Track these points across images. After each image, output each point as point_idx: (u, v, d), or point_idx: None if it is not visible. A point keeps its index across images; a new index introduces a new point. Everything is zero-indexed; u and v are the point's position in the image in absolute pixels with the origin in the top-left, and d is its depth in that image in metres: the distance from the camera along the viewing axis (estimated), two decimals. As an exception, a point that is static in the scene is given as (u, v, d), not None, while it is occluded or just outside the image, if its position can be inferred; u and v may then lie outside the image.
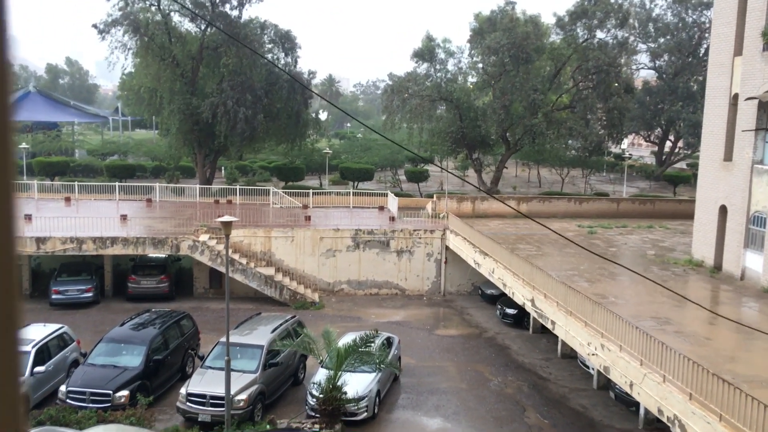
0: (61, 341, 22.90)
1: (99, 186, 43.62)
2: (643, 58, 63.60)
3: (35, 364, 20.95)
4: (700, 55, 59.34)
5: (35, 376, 20.81)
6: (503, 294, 29.31)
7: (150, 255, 33.93)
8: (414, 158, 63.73)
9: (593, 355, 19.12)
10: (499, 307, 31.22)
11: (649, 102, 61.00)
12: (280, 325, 23.40)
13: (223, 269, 30.83)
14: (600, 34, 46.10)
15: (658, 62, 63.07)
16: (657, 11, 61.29)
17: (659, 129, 65.50)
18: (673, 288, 24.66)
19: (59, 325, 23.64)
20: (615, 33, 46.94)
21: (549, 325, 22.66)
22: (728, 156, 27.28)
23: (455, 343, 28.34)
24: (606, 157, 67.75)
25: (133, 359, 21.42)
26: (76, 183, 43.25)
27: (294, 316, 25.18)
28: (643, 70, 67.44)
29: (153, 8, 42.58)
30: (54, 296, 31.14)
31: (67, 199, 41.38)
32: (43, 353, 21.65)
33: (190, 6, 43.20)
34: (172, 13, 43.58)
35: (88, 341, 24.31)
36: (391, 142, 19.88)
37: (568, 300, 20.83)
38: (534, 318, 27.64)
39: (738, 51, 26.68)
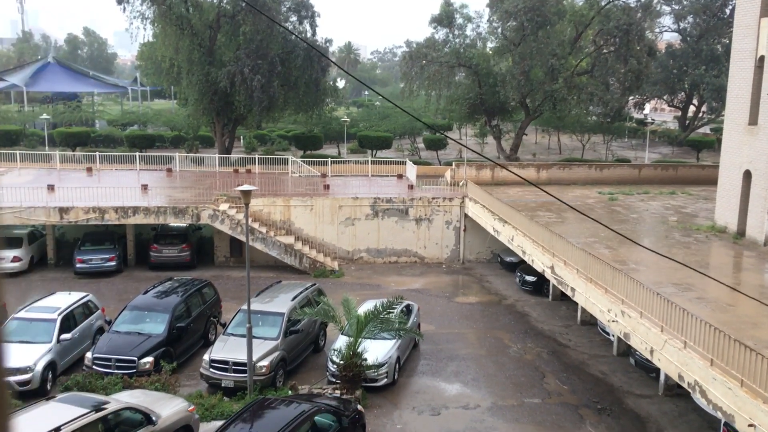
0: (86, 309, 23.28)
1: (120, 156, 43.92)
2: (667, 20, 62.24)
3: (61, 331, 21.36)
4: (726, 16, 57.89)
5: (61, 344, 21.23)
6: (522, 261, 29.25)
7: (171, 224, 34.22)
8: (433, 126, 63.33)
9: (613, 321, 19.08)
10: (519, 274, 31.19)
11: (672, 65, 59.82)
12: (301, 292, 23.59)
13: (243, 238, 31.05)
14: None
15: (682, 24, 61.67)
16: None
17: (683, 93, 64.32)
18: (695, 254, 24.46)
19: (84, 294, 24.02)
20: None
21: (569, 292, 22.62)
22: (753, 120, 26.75)
23: (474, 310, 28.43)
24: (628, 123, 66.80)
25: (156, 326, 21.74)
26: (97, 153, 43.58)
27: (314, 284, 25.36)
28: (666, 33, 66.07)
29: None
30: (78, 265, 31.61)
31: (89, 170, 41.74)
32: (69, 321, 22.04)
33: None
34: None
35: (112, 309, 24.73)
36: (404, 112, 19.69)
37: (588, 267, 20.74)
38: (553, 285, 27.59)
39: (765, 12, 25.97)
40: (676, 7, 60.71)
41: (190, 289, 24.23)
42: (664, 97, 66.55)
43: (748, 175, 26.99)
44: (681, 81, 60.42)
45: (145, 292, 23.92)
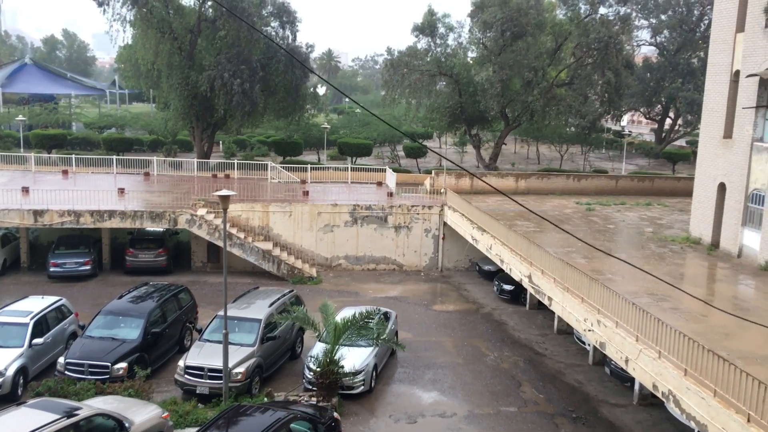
0: (59, 313, 22.95)
1: (96, 159, 43.45)
2: (644, 34, 63.15)
3: (33, 336, 21.01)
4: (702, 31, 58.88)
5: (33, 348, 20.89)
6: (500, 270, 29.38)
7: (148, 228, 33.89)
8: (413, 134, 63.56)
9: (589, 331, 19.21)
10: (497, 283, 31.32)
11: (649, 79, 60.64)
12: (278, 299, 23.47)
13: (220, 243, 30.85)
14: (602, 10, 45.69)
15: (659, 38, 62.58)
16: None
17: (659, 106, 65.22)
18: (670, 265, 24.74)
19: (57, 298, 23.68)
20: (617, 9, 46.51)
21: (546, 301, 22.75)
22: (728, 133, 27.18)
23: (452, 318, 28.47)
24: (605, 135, 67.61)
25: (131, 332, 21.49)
26: (73, 156, 43.07)
27: (292, 291, 25.23)
28: (644, 47, 66.98)
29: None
30: (52, 269, 31.17)
31: (65, 172, 41.26)
32: (42, 325, 21.70)
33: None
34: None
35: (86, 314, 24.38)
36: (384, 122, 19.81)
37: (565, 276, 20.88)
38: (531, 294, 27.75)
39: (740, 27, 26.44)
40: (653, 22, 61.61)
41: (166, 294, 23.98)
42: (641, 110, 67.46)
43: (722, 188, 27.39)
44: (657, 94, 61.27)
45: (120, 297, 23.65)
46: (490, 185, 19.00)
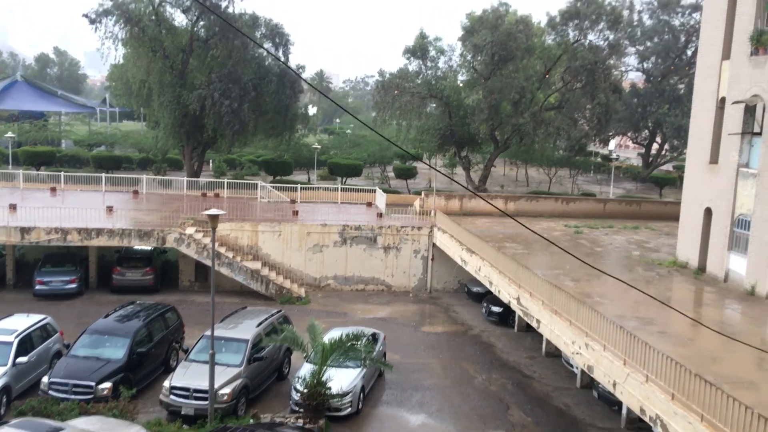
0: (44, 332, 22.71)
1: (85, 177, 43.30)
2: (631, 60, 63.97)
3: (17, 354, 20.78)
4: (688, 57, 59.70)
5: (17, 367, 20.65)
6: (489, 292, 29.41)
7: (135, 247, 33.71)
8: (403, 155, 63.84)
9: (577, 354, 19.22)
10: (485, 304, 31.31)
11: (636, 104, 61.32)
12: (266, 319, 23.36)
13: (209, 262, 30.72)
14: (591, 36, 46.28)
15: (645, 64, 63.40)
16: (644, 16, 61.58)
17: (646, 131, 65.90)
18: (657, 288, 24.84)
19: (42, 316, 23.45)
20: (606, 35, 47.15)
21: (534, 324, 22.76)
22: (714, 159, 27.47)
23: (440, 340, 28.40)
24: (593, 158, 68.17)
25: (116, 351, 21.28)
26: (62, 173, 42.91)
27: (280, 311, 25.13)
28: (631, 73, 67.80)
29: (145, -1, 42.35)
30: (38, 287, 30.91)
31: (53, 189, 41.07)
32: (26, 344, 21.47)
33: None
34: (164, 4, 43.31)
35: (71, 333, 24.15)
36: (385, 139, 19.85)
37: (554, 299, 20.93)
38: (519, 316, 27.75)
39: (726, 55, 26.84)
40: (640, 48, 62.43)
41: (153, 313, 23.81)
42: (629, 134, 68.13)
43: (709, 213, 27.62)
44: (644, 119, 61.93)
45: (106, 316, 23.45)
46: (493, 205, 19.12)
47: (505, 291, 25.34)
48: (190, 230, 32.28)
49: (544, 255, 30.58)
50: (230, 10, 43.52)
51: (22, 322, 22.44)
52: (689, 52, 59.81)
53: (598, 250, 31.69)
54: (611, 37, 46.85)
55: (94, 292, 32.39)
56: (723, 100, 26.91)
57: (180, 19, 44.93)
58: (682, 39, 60.20)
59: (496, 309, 30.36)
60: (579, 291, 23.35)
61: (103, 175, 43.35)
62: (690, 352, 18.13)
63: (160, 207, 37.16)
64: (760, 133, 24.89)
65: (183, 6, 43.33)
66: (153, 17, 42.12)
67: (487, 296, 31.23)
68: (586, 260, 28.93)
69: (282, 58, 45.95)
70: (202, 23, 43.30)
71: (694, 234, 28.46)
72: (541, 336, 25.53)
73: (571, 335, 19.45)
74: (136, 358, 21.49)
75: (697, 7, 56.73)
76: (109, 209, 34.51)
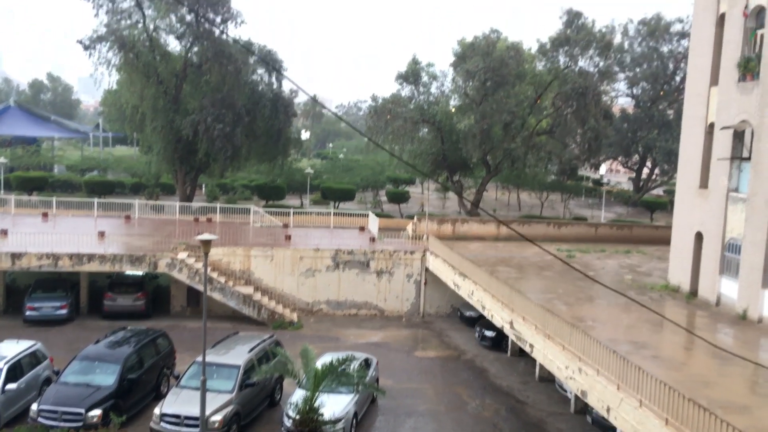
0: (33, 358, 22.51)
1: (77, 202, 43.20)
2: (621, 86, 64.72)
3: (7, 381, 20.57)
4: (677, 84, 60.44)
5: (6, 394, 20.43)
6: (482, 316, 29.35)
7: (127, 272, 33.56)
8: (395, 179, 64.07)
9: (571, 378, 19.18)
10: (478, 329, 31.25)
11: (626, 129, 61.90)
12: (258, 345, 23.23)
13: (200, 288, 30.59)
14: (581, 62, 46.85)
15: (635, 90, 64.14)
16: (634, 42, 62.37)
17: (636, 155, 66.45)
18: (650, 313, 24.87)
19: (32, 342, 23.24)
20: (597, 61, 47.73)
21: (527, 348, 22.71)
22: (704, 183, 27.71)
23: (433, 365, 28.28)
24: (584, 183, 68.59)
25: (106, 378, 21.10)
26: (54, 198, 42.80)
27: (272, 336, 25.01)
28: (621, 98, 68.55)
29: (140, 26, 42.62)
30: (28, 312, 30.69)
31: (45, 215, 40.94)
32: (16, 370, 21.27)
33: (175, 23, 43.24)
34: (158, 30, 43.64)
35: (61, 359, 23.92)
36: (398, 159, 19.90)
37: (546, 323, 20.92)
38: (512, 341, 27.69)
39: (714, 81, 27.21)
40: (630, 74, 63.20)
41: (144, 339, 23.65)
42: (619, 159, 68.68)
43: (699, 237, 27.78)
44: (635, 144, 62.48)
45: (97, 342, 23.27)
46: (513, 228, 19.18)
47: (498, 315, 25.31)
48: (182, 255, 32.19)
49: (537, 279, 30.63)
50: (225, 36, 43.86)
51: (12, 348, 22.24)
52: (678, 79, 60.56)
53: (591, 274, 31.72)
54: (601, 63, 47.46)
55: (85, 318, 32.15)
56: (712, 125, 27.22)
57: (174, 45, 45.27)
58: (671, 66, 61.00)
59: (489, 333, 30.29)
60: (572, 315, 23.36)
61: (96, 200, 43.26)
62: (683, 377, 18.12)
63: (152, 232, 37.08)
64: (749, 158, 25.15)
65: (177, 33, 43.67)
66: (147, 43, 42.41)
67: (479, 320, 31.17)
68: (579, 285, 29.02)
69: (275, 84, 46.25)
70: (195, 49, 43.60)
71: (685, 258, 28.59)
72: (534, 360, 25.45)
73: (565, 360, 19.42)
74: (127, 384, 21.30)
75: (684, 35, 57.61)
76: (101, 234, 34.40)
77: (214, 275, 32.29)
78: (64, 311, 30.99)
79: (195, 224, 40.26)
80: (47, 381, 22.53)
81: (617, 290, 22.99)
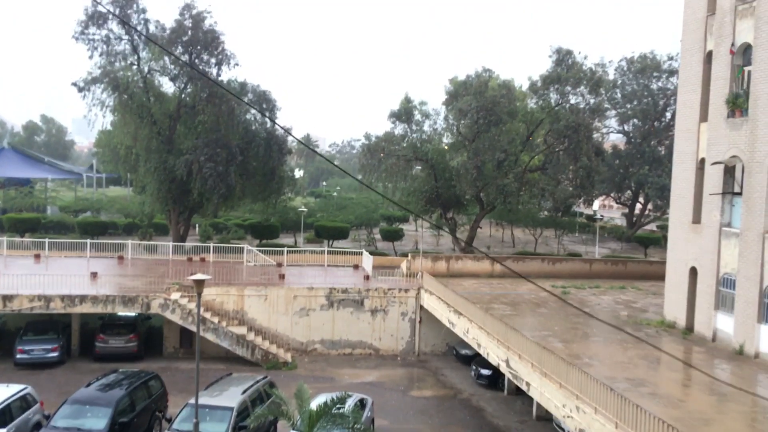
0: (23, 402, 22.13)
1: (70, 243, 43.01)
2: (612, 122, 65.36)
3: (-5, 426, 20.19)
4: (667, 121, 61.12)
5: (-6, 440, 20.03)
6: (478, 354, 29.12)
7: (119, 313, 33.25)
8: (389, 217, 64.17)
9: (568, 417, 18.95)
10: (474, 367, 30.96)
11: (618, 165, 62.35)
12: (251, 386, 22.93)
13: (194, 328, 30.31)
14: (572, 99, 47.43)
15: (626, 126, 64.79)
16: (625, 79, 63.21)
17: (629, 191, 66.79)
18: (647, 349, 24.72)
19: (22, 386, 22.89)
20: (588, 99, 48.33)
21: (524, 387, 22.48)
22: (697, 218, 27.82)
23: (429, 404, 27.93)
24: (578, 219, 68.82)
25: (97, 422, 20.70)
26: (46, 240, 42.61)
27: (266, 377, 24.71)
28: (612, 134, 69.19)
29: (134, 67, 43.04)
30: (18, 356, 30.28)
31: (37, 256, 40.70)
32: (5, 415, 20.89)
33: (169, 65, 43.69)
34: (152, 72, 44.05)
35: (52, 403, 23.52)
36: (388, 199, 19.92)
37: (543, 361, 20.74)
38: (509, 379, 27.42)
39: (703, 117, 27.54)
40: (620, 110, 63.91)
41: (136, 382, 23.31)
42: (612, 195, 69.02)
43: (694, 272, 27.78)
44: (627, 180, 62.87)
45: (88, 385, 22.91)
46: (506, 266, 19.14)
47: (494, 353, 25.11)
48: (175, 295, 31.95)
49: (532, 316, 30.49)
50: (221, 78, 44.36)
51: (1, 392, 21.87)
52: (668, 115, 61.26)
53: (586, 311, 31.60)
54: (592, 100, 48.05)
55: (76, 360, 31.73)
56: (702, 161, 27.45)
57: (168, 86, 45.66)
58: (661, 103, 61.76)
59: (485, 372, 30.00)
60: (568, 352, 23.20)
61: (88, 241, 43.08)
62: (681, 414, 17.94)
63: (145, 272, 36.87)
64: (740, 193, 25.32)
65: (171, 74, 44.08)
66: (141, 85, 42.76)
67: (475, 359, 30.90)
68: (574, 321, 28.88)
69: (269, 123, 46.55)
70: (189, 90, 43.97)
71: (680, 294, 28.54)
72: (531, 399, 25.16)
73: (562, 398, 19.21)
74: (119, 428, 20.90)
75: (674, 72, 58.45)
76: (94, 275, 34.18)
77: (208, 315, 32.03)
78: (55, 354, 30.58)
79: (188, 264, 40.06)
80: (37, 426, 22.10)
81: (614, 325, 22.91)
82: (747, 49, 25.32)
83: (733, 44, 25.54)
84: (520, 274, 21.14)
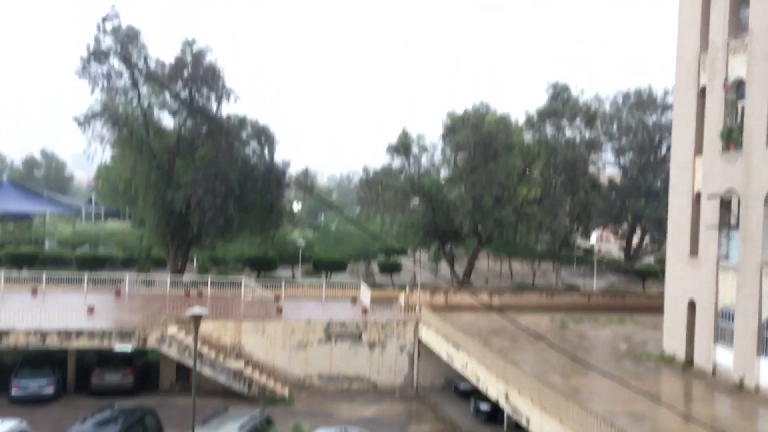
0: (17, 439, 21.87)
1: (67, 277, 42.87)
2: (608, 156, 65.74)
3: (-12, 464, 19.93)
4: (663, 153, 61.53)
5: (-13, 478, 19.76)
6: (477, 389, 28.88)
7: (116, 348, 32.96)
8: (387, 250, 64.13)
9: (568, 452, 18.75)
10: (473, 402, 30.66)
11: (615, 198, 62.58)
12: (248, 422, 22.71)
13: (190, 363, 30.08)
14: (568, 133, 47.83)
15: (622, 160, 65.15)
16: (620, 114, 63.78)
17: (626, 224, 66.90)
18: (646, 383, 24.57)
19: (17, 421, 22.67)
20: (583, 133, 48.74)
21: (523, 422, 22.27)
22: (694, 251, 27.88)
23: (428, 440, 27.60)
24: (575, 251, 68.79)
25: (92, 459, 20.46)
26: (44, 274, 42.46)
27: (263, 412, 24.47)
28: (608, 167, 69.53)
29: (134, 103, 43.40)
30: (14, 391, 29.98)
31: (34, 291, 40.52)
32: (-2, 452, 20.65)
33: (169, 100, 44.09)
34: (152, 107, 44.41)
35: (46, 439, 23.27)
36: (379, 238, 20.00)
37: (542, 395, 20.60)
38: (508, 414, 27.17)
39: (698, 151, 27.77)
40: (616, 144, 64.34)
41: (131, 418, 23.05)
42: (609, 228, 69.10)
43: (692, 305, 27.74)
44: (624, 213, 63.02)
45: (83, 421, 22.67)
46: (499, 311, 19.13)
47: (493, 387, 24.93)
48: (172, 330, 31.78)
49: (531, 350, 30.32)
50: (220, 113, 44.73)
51: (-5, 429, 21.66)
52: (664, 148, 61.69)
53: (585, 345, 31.48)
54: (588, 135, 48.46)
55: (71, 396, 31.41)
56: (698, 194, 27.61)
57: (167, 120, 45.98)
58: (657, 136, 62.23)
59: (484, 407, 29.71)
60: (568, 386, 23.05)
61: (86, 275, 42.94)
62: (682, 449, 17.76)
63: (142, 306, 36.72)
64: (737, 226, 25.42)
65: (171, 109, 44.46)
66: (141, 119, 43.09)
67: (474, 393, 30.63)
68: (572, 354, 28.73)
69: (267, 156, 46.77)
70: (189, 124, 44.30)
71: (679, 327, 28.46)
72: (531, 434, 24.91)
73: (562, 433, 19.03)
74: (113, 465, 20.64)
75: (668, 106, 59.04)
76: (90, 310, 34.02)
77: (205, 350, 31.82)
78: (50, 389, 30.29)
79: (186, 298, 39.91)
80: (30, 463, 21.84)
81: (611, 361, 22.78)
82: (740, 84, 25.67)
83: (726, 79, 25.90)
84: (517, 324, 21.08)
